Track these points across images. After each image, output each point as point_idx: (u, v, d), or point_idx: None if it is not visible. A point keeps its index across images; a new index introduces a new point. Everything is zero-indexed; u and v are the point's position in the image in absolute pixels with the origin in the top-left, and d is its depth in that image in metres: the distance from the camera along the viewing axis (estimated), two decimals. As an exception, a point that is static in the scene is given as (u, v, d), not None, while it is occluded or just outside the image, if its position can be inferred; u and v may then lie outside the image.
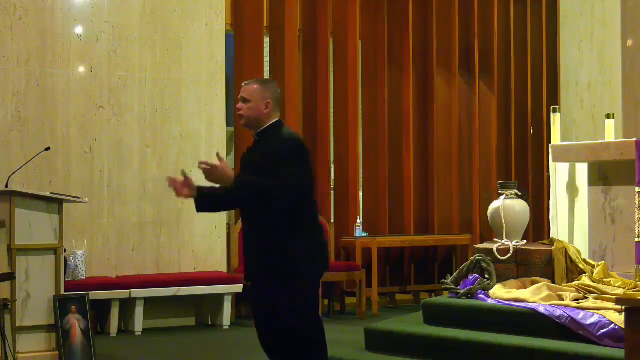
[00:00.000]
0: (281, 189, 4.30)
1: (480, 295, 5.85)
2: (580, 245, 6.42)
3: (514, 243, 6.22)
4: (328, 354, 4.56)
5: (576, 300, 5.52)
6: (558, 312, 5.29)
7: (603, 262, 5.99)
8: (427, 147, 9.97)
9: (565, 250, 6.08)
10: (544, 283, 5.81)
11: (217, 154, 4.38)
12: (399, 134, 9.78)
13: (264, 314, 4.48)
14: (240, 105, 4.52)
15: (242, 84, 4.61)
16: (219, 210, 5.19)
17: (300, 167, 4.38)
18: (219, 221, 8.38)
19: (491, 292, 5.85)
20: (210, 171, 4.30)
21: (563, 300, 5.53)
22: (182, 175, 4.48)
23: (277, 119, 4.54)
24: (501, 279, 6.04)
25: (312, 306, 4.52)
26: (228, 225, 8.49)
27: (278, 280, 4.39)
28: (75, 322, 6.34)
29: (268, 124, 4.51)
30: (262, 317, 4.52)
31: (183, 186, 4.48)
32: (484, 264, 6.10)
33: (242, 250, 4.78)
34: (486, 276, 6.04)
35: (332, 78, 9.41)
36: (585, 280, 5.82)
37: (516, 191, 6.51)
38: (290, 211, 4.39)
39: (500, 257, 6.17)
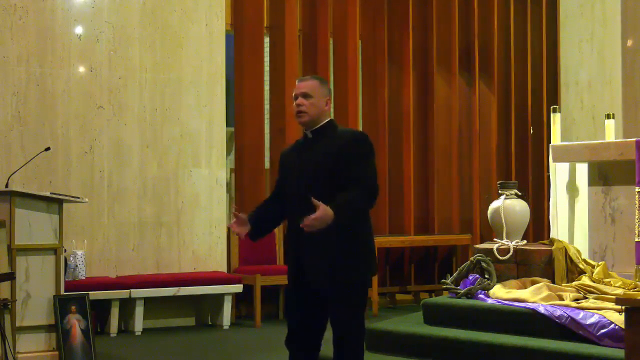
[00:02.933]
0: (368, 197, 4.24)
1: (480, 295, 5.85)
2: (580, 245, 6.42)
3: (514, 243, 6.22)
4: (327, 353, 4.56)
5: (576, 300, 5.52)
6: (558, 312, 5.29)
7: (603, 262, 5.99)
8: (427, 147, 9.97)
9: (565, 250, 6.08)
10: (544, 283, 5.81)
11: (313, 200, 4.08)
12: (399, 134, 9.78)
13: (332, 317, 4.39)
14: (301, 100, 4.35)
15: (297, 80, 4.49)
16: (272, 229, 4.83)
17: (374, 166, 4.34)
18: (219, 221, 8.38)
19: (491, 292, 5.85)
20: (315, 224, 4.08)
21: (563, 300, 5.53)
22: (233, 215, 4.40)
23: (331, 118, 4.48)
24: (501, 279, 6.04)
25: (363, 307, 4.48)
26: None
27: (347, 283, 4.30)
28: (75, 322, 6.34)
29: (324, 122, 4.42)
30: (315, 311, 4.43)
31: (240, 224, 4.40)
32: (484, 264, 6.10)
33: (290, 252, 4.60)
34: (486, 276, 6.04)
35: (332, 78, 9.41)
36: (585, 280, 5.82)
37: (516, 191, 6.51)
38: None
39: (500, 257, 6.16)
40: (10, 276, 5.81)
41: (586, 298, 5.56)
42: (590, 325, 5.12)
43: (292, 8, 9.02)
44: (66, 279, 6.93)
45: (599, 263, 5.99)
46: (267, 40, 9.13)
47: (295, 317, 4.48)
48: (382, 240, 9.13)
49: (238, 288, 8.03)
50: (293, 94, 4.43)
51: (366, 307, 4.50)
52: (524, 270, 6.12)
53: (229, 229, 8.46)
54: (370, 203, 4.30)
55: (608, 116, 7.08)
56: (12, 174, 6.72)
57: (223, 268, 8.39)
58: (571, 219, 6.75)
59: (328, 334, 4.53)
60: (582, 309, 5.30)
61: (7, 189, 6.23)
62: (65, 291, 6.43)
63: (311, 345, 4.50)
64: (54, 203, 6.31)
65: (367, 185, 4.25)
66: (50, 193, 6.48)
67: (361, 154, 4.29)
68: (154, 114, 8.20)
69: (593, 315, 5.17)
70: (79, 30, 7.93)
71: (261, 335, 7.65)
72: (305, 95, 4.37)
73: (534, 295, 5.59)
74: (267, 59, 9.16)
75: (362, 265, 4.36)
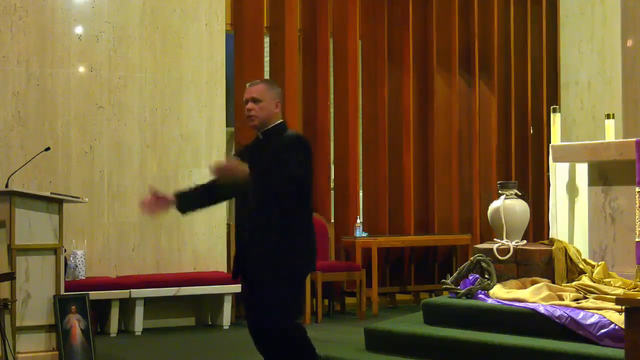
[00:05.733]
0: (288, 179, 4.37)
1: (480, 295, 5.85)
2: (580, 245, 6.41)
3: (514, 243, 6.22)
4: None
5: (576, 300, 5.52)
6: (558, 312, 5.29)
7: (603, 262, 5.99)
8: (427, 147, 9.97)
9: (565, 250, 6.08)
10: (544, 283, 5.81)
11: (238, 148, 4.42)
12: (399, 134, 9.78)
13: (256, 310, 4.50)
14: (251, 105, 4.52)
15: (247, 85, 4.62)
16: (208, 204, 5.04)
17: (304, 160, 4.46)
18: (219, 221, 8.39)
19: (491, 292, 5.84)
20: (222, 171, 4.28)
21: (563, 300, 5.53)
22: (150, 192, 4.56)
23: (282, 120, 4.59)
24: (501, 279, 6.04)
25: (293, 305, 4.55)
26: (228, 225, 8.49)
27: (270, 276, 4.42)
28: (75, 322, 6.34)
29: (274, 124, 4.55)
30: (254, 315, 4.53)
31: (154, 203, 4.50)
32: (484, 264, 6.10)
33: (235, 248, 4.78)
34: (486, 276, 6.04)
35: (332, 78, 9.41)
36: (585, 280, 5.81)
37: (516, 191, 6.50)
38: (289, 209, 4.43)
39: (500, 257, 6.16)
40: (10, 276, 5.82)
41: (586, 298, 5.56)
42: (590, 325, 5.11)
43: (292, 8, 9.02)
44: (66, 279, 6.93)
45: (599, 263, 5.99)
46: (267, 40, 9.13)
47: (249, 320, 4.57)
48: (382, 240, 9.14)
49: (238, 288, 8.01)
50: (244, 99, 4.57)
51: (298, 305, 4.61)
52: (524, 270, 6.11)
53: (228, 229, 8.46)
54: (286, 185, 4.39)
55: (608, 116, 7.07)
56: (12, 174, 6.72)
57: (223, 268, 8.39)
58: (571, 219, 6.74)
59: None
60: (582, 309, 5.30)
61: (7, 189, 6.23)
62: (65, 291, 6.43)
63: (269, 345, 4.55)
64: (54, 203, 6.31)
65: (289, 170, 4.35)
66: (50, 193, 6.48)
67: (293, 148, 4.43)
68: (154, 114, 8.20)
69: (593, 315, 5.16)
70: (79, 30, 7.93)
71: (261, 335, 7.65)
72: (255, 100, 4.51)
73: (534, 295, 5.59)
74: (267, 59, 9.16)
75: (293, 260, 4.46)
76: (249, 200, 4.47)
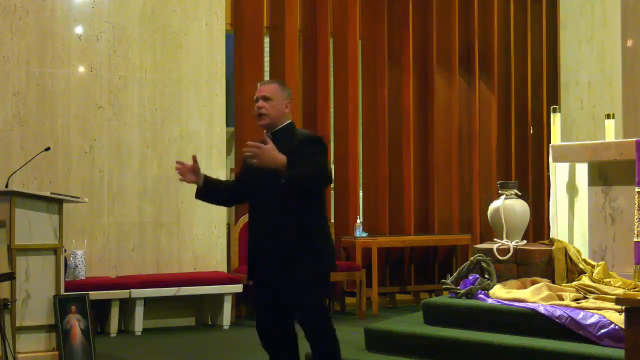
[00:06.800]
0: (320, 176, 4.38)
1: (480, 295, 5.85)
2: (580, 245, 6.42)
3: (514, 243, 6.22)
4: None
5: (576, 300, 5.52)
6: (558, 312, 5.29)
7: (603, 262, 5.99)
8: (427, 147, 9.97)
9: (565, 250, 6.08)
10: (544, 283, 5.81)
11: (264, 137, 4.36)
12: (399, 134, 9.78)
13: (295, 311, 4.48)
14: (262, 103, 4.49)
15: (259, 84, 4.60)
16: (216, 202, 5.07)
17: (326, 160, 4.53)
18: (219, 221, 8.38)
19: (491, 292, 5.84)
20: (259, 153, 4.24)
21: (563, 300, 5.53)
22: (192, 160, 4.56)
23: (291, 120, 4.58)
24: (501, 279, 6.04)
25: (324, 300, 4.60)
26: (228, 225, 8.49)
27: (307, 277, 4.40)
28: (75, 322, 6.34)
29: (284, 124, 4.53)
30: (297, 315, 4.51)
31: (190, 171, 4.50)
32: (484, 264, 6.10)
33: (247, 248, 4.74)
34: (486, 276, 6.04)
35: (332, 78, 9.41)
36: (585, 280, 5.81)
37: (516, 191, 6.51)
38: (312, 207, 4.42)
39: (500, 257, 6.16)
40: (10, 276, 5.81)
41: (586, 298, 5.56)
42: (590, 325, 5.11)
43: (292, 8, 9.02)
44: (66, 279, 6.93)
45: (599, 263, 5.99)
46: (267, 40, 9.13)
47: (261, 319, 4.56)
48: (382, 240, 9.14)
49: (238, 288, 8.03)
50: (254, 97, 4.56)
51: (326, 304, 4.66)
52: (524, 270, 6.11)
53: (228, 229, 8.47)
54: (320, 182, 4.42)
55: (608, 116, 7.07)
56: (12, 174, 6.71)
57: (223, 268, 8.39)
58: (571, 219, 6.74)
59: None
60: (582, 309, 5.30)
61: (7, 189, 6.23)
62: (65, 291, 6.43)
63: (286, 344, 4.54)
64: (54, 203, 6.31)
65: (318, 169, 4.37)
66: (50, 193, 6.48)
67: (314, 151, 4.42)
68: (154, 114, 8.20)
69: (593, 315, 5.17)
70: (79, 30, 7.93)
71: (261, 335, 7.64)
72: (266, 99, 4.50)
73: (534, 295, 5.59)
74: (267, 59, 9.15)
75: (318, 262, 4.47)
76: (270, 202, 4.42)
